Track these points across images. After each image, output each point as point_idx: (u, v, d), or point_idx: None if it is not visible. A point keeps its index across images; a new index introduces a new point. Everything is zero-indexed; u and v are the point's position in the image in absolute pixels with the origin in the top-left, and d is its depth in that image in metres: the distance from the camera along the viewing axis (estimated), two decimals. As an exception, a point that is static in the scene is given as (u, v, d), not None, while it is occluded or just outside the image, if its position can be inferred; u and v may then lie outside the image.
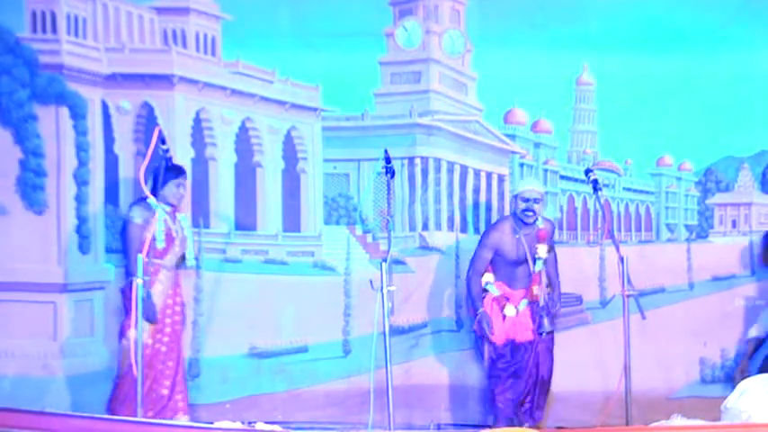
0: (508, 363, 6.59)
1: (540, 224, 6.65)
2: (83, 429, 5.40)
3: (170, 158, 6.37)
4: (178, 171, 6.54)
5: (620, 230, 7.58)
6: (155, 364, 6.45)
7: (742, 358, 7.06)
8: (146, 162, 6.37)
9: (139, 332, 6.11)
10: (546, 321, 6.57)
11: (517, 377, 6.58)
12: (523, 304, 6.61)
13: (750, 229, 7.59)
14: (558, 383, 6.87)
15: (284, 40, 7.28)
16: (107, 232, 7.23)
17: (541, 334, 6.58)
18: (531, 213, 6.56)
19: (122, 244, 6.55)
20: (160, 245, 6.39)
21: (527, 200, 6.56)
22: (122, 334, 6.43)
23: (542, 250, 6.60)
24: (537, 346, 6.61)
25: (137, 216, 6.41)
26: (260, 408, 7.04)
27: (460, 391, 7.23)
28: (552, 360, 6.66)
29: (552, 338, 6.68)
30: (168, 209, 6.51)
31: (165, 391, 6.53)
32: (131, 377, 6.30)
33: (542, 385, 6.64)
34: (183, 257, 6.62)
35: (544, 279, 6.64)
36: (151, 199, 6.40)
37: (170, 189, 6.46)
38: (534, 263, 6.60)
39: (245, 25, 7.32)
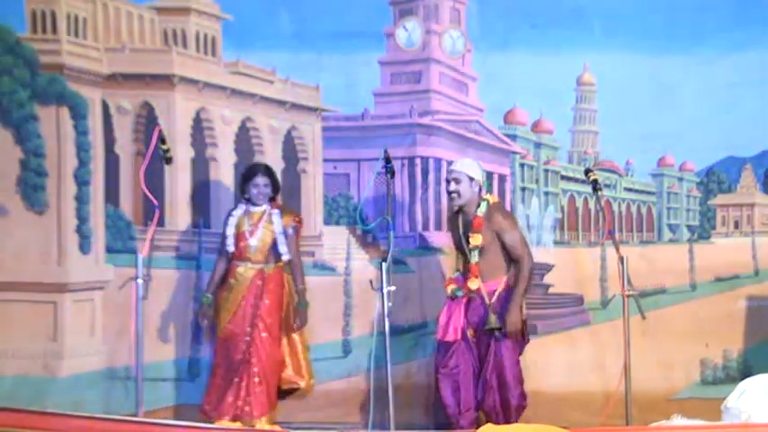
0: (439, 363, 6.21)
1: (481, 211, 6.15)
2: (83, 429, 5.39)
3: (170, 159, 6.38)
4: (253, 171, 6.55)
5: (621, 231, 7.56)
6: (263, 358, 6.44)
7: None
8: (146, 162, 6.40)
9: (139, 332, 6.11)
10: (492, 318, 6.03)
11: (451, 379, 6.17)
12: (452, 291, 6.23)
13: (753, 229, 7.57)
14: (559, 383, 6.86)
15: (284, 40, 7.29)
16: (107, 232, 7.23)
17: (482, 331, 6.09)
18: (453, 195, 6.14)
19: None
20: (230, 248, 6.49)
21: (447, 180, 6.20)
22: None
23: (475, 240, 6.12)
24: (487, 345, 6.09)
25: (229, 221, 6.56)
26: (260, 408, 7.01)
27: (460, 391, 7.20)
28: (511, 363, 6.09)
29: (514, 340, 6.08)
30: (261, 208, 6.53)
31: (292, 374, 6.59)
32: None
33: (501, 389, 6.09)
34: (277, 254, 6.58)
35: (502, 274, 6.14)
36: (243, 202, 6.55)
37: (249, 191, 6.52)
38: (469, 253, 6.17)
39: (245, 25, 7.34)
